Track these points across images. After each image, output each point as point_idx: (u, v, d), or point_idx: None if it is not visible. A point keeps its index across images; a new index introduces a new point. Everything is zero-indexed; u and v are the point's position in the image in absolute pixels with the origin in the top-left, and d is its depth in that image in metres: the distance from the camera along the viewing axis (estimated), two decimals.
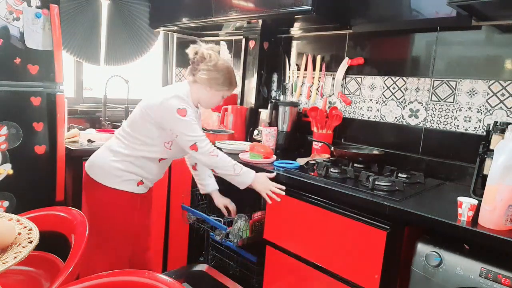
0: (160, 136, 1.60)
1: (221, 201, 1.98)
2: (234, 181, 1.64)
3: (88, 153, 2.01)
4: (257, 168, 1.83)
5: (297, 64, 2.45)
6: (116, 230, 1.66)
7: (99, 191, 1.63)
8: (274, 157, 1.96)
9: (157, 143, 1.62)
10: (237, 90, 2.66)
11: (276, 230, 1.73)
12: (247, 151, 2.02)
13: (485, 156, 1.45)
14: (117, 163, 1.62)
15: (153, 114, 1.56)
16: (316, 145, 2.14)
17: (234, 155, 2.04)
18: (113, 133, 2.48)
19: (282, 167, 1.79)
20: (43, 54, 1.80)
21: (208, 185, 1.98)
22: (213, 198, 1.99)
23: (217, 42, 3.04)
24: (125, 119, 2.63)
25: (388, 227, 1.34)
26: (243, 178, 1.63)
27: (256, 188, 1.66)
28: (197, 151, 1.56)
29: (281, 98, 2.53)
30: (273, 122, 2.33)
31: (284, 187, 1.67)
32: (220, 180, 2.15)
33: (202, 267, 2.26)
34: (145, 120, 1.59)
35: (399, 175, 1.72)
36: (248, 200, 2.01)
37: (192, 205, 2.16)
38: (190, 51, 1.65)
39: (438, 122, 1.86)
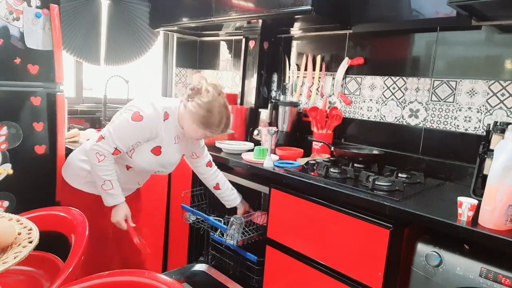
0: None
1: (242, 208, 1.97)
2: (99, 193, 1.57)
3: None
4: (258, 168, 1.83)
5: (297, 64, 2.45)
6: (93, 239, 1.50)
7: (65, 190, 1.67)
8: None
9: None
10: (237, 90, 2.67)
11: (279, 229, 1.73)
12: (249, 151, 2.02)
13: (485, 156, 1.45)
14: (83, 163, 1.63)
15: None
16: (316, 145, 2.14)
17: (235, 155, 2.05)
18: None
19: (282, 167, 1.79)
20: (43, 54, 1.80)
21: (235, 199, 1.94)
22: (239, 209, 1.96)
23: (218, 44, 3.04)
24: None
25: (391, 226, 1.34)
26: (106, 196, 1.55)
27: (111, 215, 1.59)
28: (96, 143, 1.51)
29: (281, 98, 2.53)
30: (273, 122, 2.33)
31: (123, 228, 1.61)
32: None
33: (202, 267, 2.26)
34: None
35: (399, 175, 1.72)
36: (245, 200, 2.01)
37: (192, 205, 2.16)
38: (195, 79, 1.67)
39: (438, 122, 1.86)
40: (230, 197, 1.93)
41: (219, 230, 1.97)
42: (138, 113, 1.51)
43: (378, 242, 1.37)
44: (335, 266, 1.51)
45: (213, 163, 1.92)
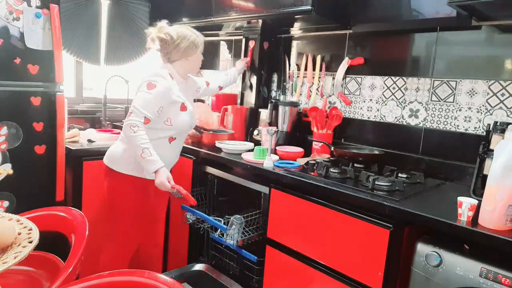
0: (158, 116, 1.72)
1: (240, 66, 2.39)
2: (141, 163, 1.69)
3: (88, 153, 2.02)
4: (258, 168, 1.83)
5: (297, 64, 2.45)
6: (125, 215, 1.80)
7: (112, 177, 1.79)
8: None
9: (158, 124, 1.74)
10: (237, 90, 2.66)
11: (279, 229, 1.73)
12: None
13: (485, 156, 1.45)
14: (128, 150, 1.75)
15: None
16: (316, 145, 2.14)
17: (235, 155, 2.05)
18: (113, 133, 2.49)
19: (282, 167, 1.79)
20: (43, 54, 1.80)
21: (234, 72, 2.37)
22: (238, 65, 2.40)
23: (218, 44, 3.04)
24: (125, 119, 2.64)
25: (391, 226, 1.34)
26: (146, 164, 1.67)
27: (156, 182, 1.70)
28: (126, 119, 1.66)
29: (281, 98, 2.53)
30: (273, 122, 2.32)
31: (180, 194, 1.76)
32: (220, 181, 2.16)
33: (202, 267, 2.26)
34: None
35: (399, 175, 1.72)
36: (245, 200, 2.01)
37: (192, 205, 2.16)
38: (149, 42, 1.80)
39: (438, 122, 1.86)
40: (232, 76, 2.33)
41: (219, 230, 1.97)
42: (151, 82, 1.69)
43: (378, 242, 1.37)
44: (335, 266, 1.51)
45: (209, 81, 2.23)
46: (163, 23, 1.79)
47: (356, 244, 1.44)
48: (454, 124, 1.80)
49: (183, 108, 1.81)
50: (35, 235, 1.07)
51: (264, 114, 2.41)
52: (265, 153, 1.91)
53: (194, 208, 2.07)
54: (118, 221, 1.82)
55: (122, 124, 2.62)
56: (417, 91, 1.92)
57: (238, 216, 1.88)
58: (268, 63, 2.52)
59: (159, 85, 1.70)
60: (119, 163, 1.79)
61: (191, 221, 2.10)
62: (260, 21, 2.36)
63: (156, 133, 1.75)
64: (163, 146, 1.80)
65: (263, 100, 2.54)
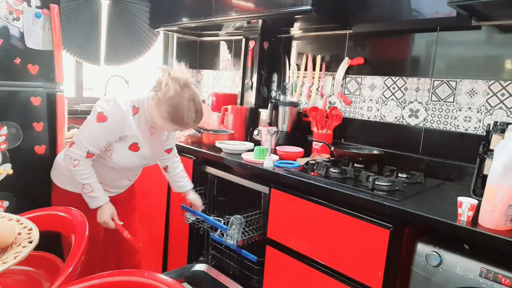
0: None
1: (191, 197, 1.95)
2: (82, 196, 1.58)
3: None
4: (258, 168, 1.83)
5: (297, 64, 2.45)
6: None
7: (54, 192, 1.67)
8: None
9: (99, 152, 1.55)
10: (237, 90, 2.67)
11: (279, 229, 1.73)
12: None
13: (485, 156, 1.45)
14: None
15: None
16: (316, 145, 2.14)
17: (235, 155, 2.05)
18: None
19: (282, 167, 1.79)
20: (43, 54, 1.80)
21: (184, 186, 1.94)
22: (186, 195, 1.96)
23: (218, 44, 3.04)
24: None
25: (391, 226, 1.34)
26: (88, 199, 1.57)
27: (97, 216, 1.59)
28: (68, 148, 1.52)
29: (281, 98, 2.53)
30: (273, 122, 2.32)
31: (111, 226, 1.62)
32: (220, 181, 2.16)
33: (202, 267, 2.26)
34: None
35: (399, 175, 1.72)
36: (245, 200, 2.01)
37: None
38: (158, 74, 1.54)
39: (438, 122, 1.86)
40: (178, 182, 1.93)
41: (219, 230, 1.97)
42: (102, 113, 1.46)
43: (378, 242, 1.37)
44: (335, 266, 1.51)
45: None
46: (182, 66, 1.59)
47: (356, 244, 1.44)
48: (454, 124, 1.80)
49: (134, 148, 1.57)
50: (35, 235, 1.07)
51: (264, 114, 2.41)
52: (265, 153, 1.91)
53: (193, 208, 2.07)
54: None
55: None
56: (417, 91, 1.92)
57: (238, 216, 1.88)
58: (268, 63, 2.52)
59: (110, 119, 1.47)
60: (58, 175, 1.66)
61: (190, 221, 2.10)
62: (260, 21, 2.36)
63: (97, 157, 1.57)
64: (106, 169, 1.62)
65: (263, 100, 2.54)
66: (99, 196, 1.56)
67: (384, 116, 2.06)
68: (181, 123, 1.50)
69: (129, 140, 1.55)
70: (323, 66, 2.30)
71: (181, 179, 1.94)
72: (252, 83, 2.52)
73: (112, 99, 1.50)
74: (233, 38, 2.88)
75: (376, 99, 2.09)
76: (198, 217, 2.03)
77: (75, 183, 1.58)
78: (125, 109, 1.50)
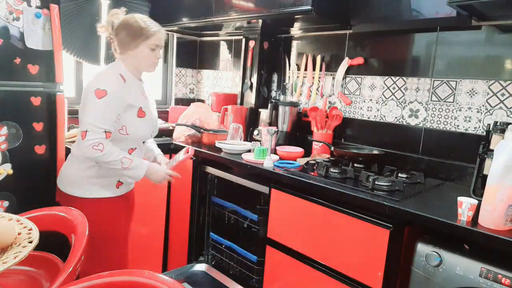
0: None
1: (161, 158, 1.82)
2: (126, 175, 1.55)
3: None
4: (258, 168, 1.83)
5: (297, 64, 2.45)
6: (108, 240, 1.58)
7: (78, 206, 1.48)
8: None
9: (112, 134, 1.50)
10: (237, 90, 2.66)
11: (279, 228, 1.73)
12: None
13: (485, 156, 1.45)
14: (87, 170, 1.55)
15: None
16: (316, 145, 2.14)
17: (235, 155, 2.05)
18: None
19: (282, 167, 1.79)
20: (43, 54, 1.79)
21: (154, 149, 1.86)
22: (156, 158, 1.83)
23: (218, 44, 3.04)
24: None
25: (391, 226, 1.34)
26: (134, 171, 1.53)
27: (152, 180, 1.61)
28: (83, 140, 1.43)
29: (281, 98, 2.53)
30: (273, 122, 2.33)
31: (178, 175, 1.70)
32: (220, 181, 2.15)
33: (202, 267, 2.26)
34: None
35: (399, 175, 1.72)
36: (245, 200, 2.01)
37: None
38: (101, 31, 1.58)
39: (438, 122, 1.86)
40: (149, 147, 1.85)
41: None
42: (99, 89, 1.44)
43: (378, 242, 1.37)
44: (334, 266, 1.51)
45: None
46: (119, 10, 1.58)
47: (356, 244, 1.44)
48: (454, 124, 1.80)
49: (141, 113, 1.58)
50: (35, 235, 1.07)
51: (264, 114, 2.41)
52: (265, 153, 1.91)
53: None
54: (102, 247, 1.54)
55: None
56: (417, 91, 1.92)
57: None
58: (268, 63, 2.52)
59: (109, 91, 1.45)
60: (78, 186, 1.56)
61: None
62: (260, 21, 2.36)
63: (116, 142, 1.53)
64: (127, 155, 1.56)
65: (263, 100, 2.54)
66: (140, 162, 1.55)
67: (384, 116, 2.06)
68: (142, 32, 1.52)
69: (134, 107, 1.55)
70: (323, 66, 2.30)
71: (151, 144, 1.89)
72: (252, 83, 2.52)
73: (100, 76, 1.50)
74: (233, 38, 2.88)
75: (376, 99, 2.09)
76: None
77: (105, 187, 1.56)
78: (116, 79, 1.50)
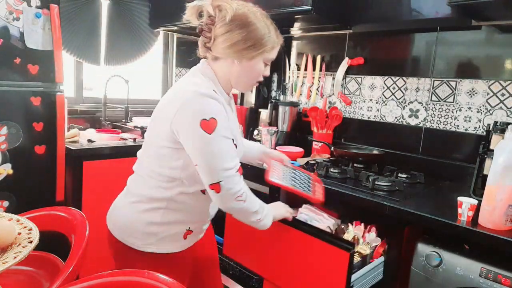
0: (188, 158, 1.08)
1: (275, 153, 1.47)
2: (253, 226, 1.18)
3: (88, 153, 2.02)
4: (258, 169, 1.83)
5: (297, 64, 2.45)
6: None
7: (132, 259, 1.14)
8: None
9: (190, 170, 1.09)
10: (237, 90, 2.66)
11: (237, 246, 1.53)
12: None
13: (485, 156, 1.45)
14: (147, 213, 1.13)
15: (172, 127, 1.05)
16: (316, 145, 2.14)
17: None
18: (113, 133, 2.49)
19: None
20: (43, 54, 1.79)
21: (259, 147, 1.49)
22: (269, 154, 1.46)
23: None
24: (125, 119, 2.64)
25: (351, 247, 1.19)
26: (266, 222, 1.17)
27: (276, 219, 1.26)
28: (219, 193, 1.05)
29: (281, 98, 2.53)
30: (273, 122, 2.33)
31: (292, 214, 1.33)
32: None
33: None
34: (166, 139, 1.08)
35: (399, 175, 1.72)
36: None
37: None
38: (189, 14, 1.17)
39: (438, 122, 1.86)
40: (252, 147, 1.48)
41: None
42: (205, 120, 1.01)
43: (338, 264, 1.20)
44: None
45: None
46: None
47: (316, 265, 1.27)
48: (454, 124, 1.80)
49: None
50: (35, 235, 1.06)
51: (264, 114, 2.41)
52: None
53: None
54: None
55: (123, 124, 2.62)
56: (417, 91, 1.92)
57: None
58: None
59: (219, 117, 1.03)
60: (136, 235, 1.14)
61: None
62: None
63: (186, 185, 1.12)
64: (195, 200, 1.16)
65: (263, 100, 2.54)
66: (266, 207, 1.19)
67: (384, 116, 2.06)
68: (269, 41, 1.11)
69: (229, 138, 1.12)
70: (323, 66, 2.30)
71: (251, 143, 1.50)
72: None
73: (197, 93, 1.04)
74: None
75: (376, 99, 2.09)
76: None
77: (169, 238, 1.16)
78: (214, 96, 1.06)
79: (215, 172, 1.04)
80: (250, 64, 1.12)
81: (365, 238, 1.45)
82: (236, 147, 1.13)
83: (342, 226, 1.52)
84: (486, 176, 1.26)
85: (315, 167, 1.79)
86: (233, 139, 1.10)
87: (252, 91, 2.52)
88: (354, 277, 1.24)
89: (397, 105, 2.00)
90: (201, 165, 1.04)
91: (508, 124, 1.38)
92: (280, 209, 1.28)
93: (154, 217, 1.13)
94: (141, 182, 1.16)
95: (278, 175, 1.32)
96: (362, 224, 1.46)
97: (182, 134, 1.04)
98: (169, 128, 1.05)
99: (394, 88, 2.01)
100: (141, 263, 1.12)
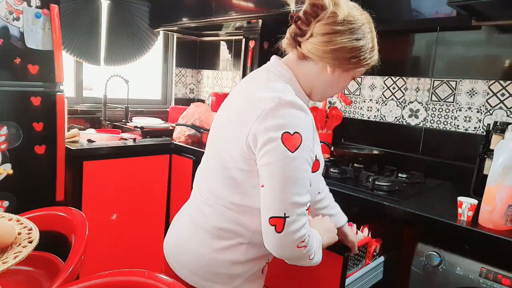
0: None
1: (348, 232, 1.22)
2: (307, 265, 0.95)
3: (88, 153, 2.02)
4: None
5: None
6: None
7: None
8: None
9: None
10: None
11: None
12: None
13: (485, 156, 1.45)
14: (230, 252, 0.96)
15: (249, 141, 0.87)
16: None
17: None
18: (113, 133, 2.49)
19: None
20: (43, 54, 1.80)
21: (338, 215, 1.23)
22: (346, 235, 1.21)
23: (218, 44, 3.04)
24: (125, 119, 2.65)
25: (345, 251, 1.15)
26: (317, 259, 0.94)
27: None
28: (280, 233, 0.84)
29: None
30: None
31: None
32: None
33: None
34: (241, 160, 0.90)
35: (399, 175, 1.72)
36: None
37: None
38: None
39: (438, 122, 1.86)
40: (333, 209, 1.23)
41: None
42: (289, 134, 0.83)
43: (332, 269, 1.17)
44: None
45: None
46: None
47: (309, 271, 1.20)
48: (454, 124, 1.80)
49: (316, 165, 0.94)
50: (35, 235, 1.06)
51: None
52: None
53: None
54: None
55: (123, 124, 2.62)
56: (417, 91, 1.92)
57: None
58: None
59: (303, 132, 0.84)
60: (219, 279, 0.97)
61: None
62: (260, 21, 2.36)
63: (256, 218, 0.92)
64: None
65: None
66: (319, 243, 0.96)
67: (384, 116, 2.06)
68: (366, 58, 0.96)
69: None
70: None
71: (333, 204, 1.24)
72: None
73: (280, 106, 0.85)
74: (233, 38, 2.88)
75: (376, 99, 2.09)
76: None
77: (253, 276, 1.01)
78: (300, 105, 0.87)
79: (284, 202, 0.83)
80: (343, 75, 0.96)
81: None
82: (319, 166, 0.95)
83: None
84: (486, 176, 1.26)
85: None
86: (316, 154, 0.92)
87: None
88: (348, 280, 1.20)
89: (397, 105, 2.00)
90: (268, 189, 0.84)
91: (508, 124, 1.38)
92: (328, 233, 1.04)
93: (237, 255, 0.95)
94: (214, 214, 0.97)
95: None
96: (354, 225, 1.45)
97: (257, 147, 0.85)
98: (245, 144, 0.87)
99: (394, 88, 2.01)
100: None
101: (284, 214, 0.83)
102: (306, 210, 0.87)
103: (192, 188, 1.14)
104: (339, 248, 1.14)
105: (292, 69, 0.96)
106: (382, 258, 1.39)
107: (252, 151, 0.87)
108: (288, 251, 0.87)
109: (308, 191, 0.87)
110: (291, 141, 0.82)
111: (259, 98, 0.89)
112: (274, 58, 1.02)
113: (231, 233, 0.95)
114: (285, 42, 1.00)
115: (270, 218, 0.84)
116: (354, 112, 2.19)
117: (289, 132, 0.82)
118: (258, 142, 0.85)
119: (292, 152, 0.82)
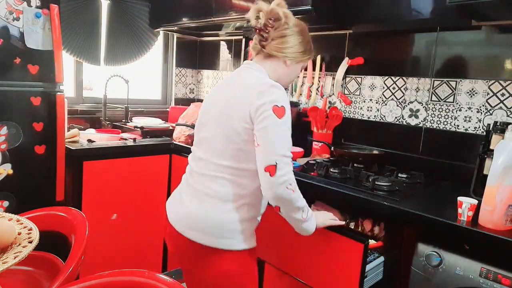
0: None
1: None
2: (297, 228, 1.22)
3: (88, 153, 2.02)
4: None
5: None
6: None
7: (224, 261, 1.18)
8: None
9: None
10: None
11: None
12: None
13: (485, 156, 1.45)
14: (235, 212, 1.19)
15: (251, 114, 1.14)
16: (316, 145, 2.14)
17: None
18: (113, 133, 2.49)
19: None
20: (43, 54, 1.80)
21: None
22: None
23: (218, 44, 3.04)
24: (125, 119, 2.64)
25: (366, 239, 1.26)
26: (310, 224, 1.21)
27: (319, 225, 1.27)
28: (273, 177, 1.09)
29: None
30: None
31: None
32: None
33: None
34: (245, 133, 1.16)
35: (399, 175, 1.72)
36: None
37: None
38: (251, 13, 1.24)
39: (438, 122, 1.86)
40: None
41: None
42: (277, 106, 1.12)
43: (352, 256, 1.27)
44: (310, 282, 1.41)
45: None
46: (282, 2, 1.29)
47: (331, 258, 1.33)
48: (454, 124, 1.80)
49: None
50: (35, 235, 1.07)
51: None
52: None
53: None
54: None
55: (123, 124, 2.62)
56: (417, 91, 1.92)
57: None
58: None
59: (286, 105, 1.15)
60: (229, 235, 1.19)
61: None
62: None
63: (255, 180, 1.17)
64: (260, 195, 1.22)
65: None
66: (311, 213, 1.23)
67: (384, 116, 2.06)
68: (312, 51, 1.32)
69: None
70: (323, 66, 2.30)
71: None
72: None
73: (269, 87, 1.15)
74: (233, 38, 2.88)
75: (376, 99, 2.09)
76: None
77: (253, 232, 1.27)
78: (283, 92, 1.19)
79: (274, 154, 1.10)
80: (296, 66, 1.30)
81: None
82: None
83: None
84: (486, 176, 1.26)
85: (315, 167, 1.79)
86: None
87: None
88: (368, 267, 1.31)
89: (397, 105, 2.00)
90: (263, 145, 1.12)
91: (508, 124, 1.38)
92: (322, 217, 1.30)
93: (242, 214, 1.20)
94: (221, 183, 1.19)
95: None
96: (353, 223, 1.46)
97: (255, 118, 1.13)
98: (248, 117, 1.13)
99: (394, 88, 2.01)
100: (233, 261, 1.19)
101: (275, 162, 1.09)
102: (289, 161, 1.14)
103: None
104: (360, 236, 1.26)
105: (262, 66, 1.26)
106: (382, 258, 1.39)
107: (252, 122, 1.13)
108: (279, 190, 1.10)
109: (290, 147, 1.16)
110: (279, 111, 1.12)
111: (254, 84, 1.18)
112: (247, 61, 1.31)
113: (237, 196, 1.19)
114: (252, 47, 1.30)
115: (265, 167, 1.10)
116: (354, 112, 2.19)
117: (277, 105, 1.12)
118: (257, 112, 1.12)
119: (280, 119, 1.12)
